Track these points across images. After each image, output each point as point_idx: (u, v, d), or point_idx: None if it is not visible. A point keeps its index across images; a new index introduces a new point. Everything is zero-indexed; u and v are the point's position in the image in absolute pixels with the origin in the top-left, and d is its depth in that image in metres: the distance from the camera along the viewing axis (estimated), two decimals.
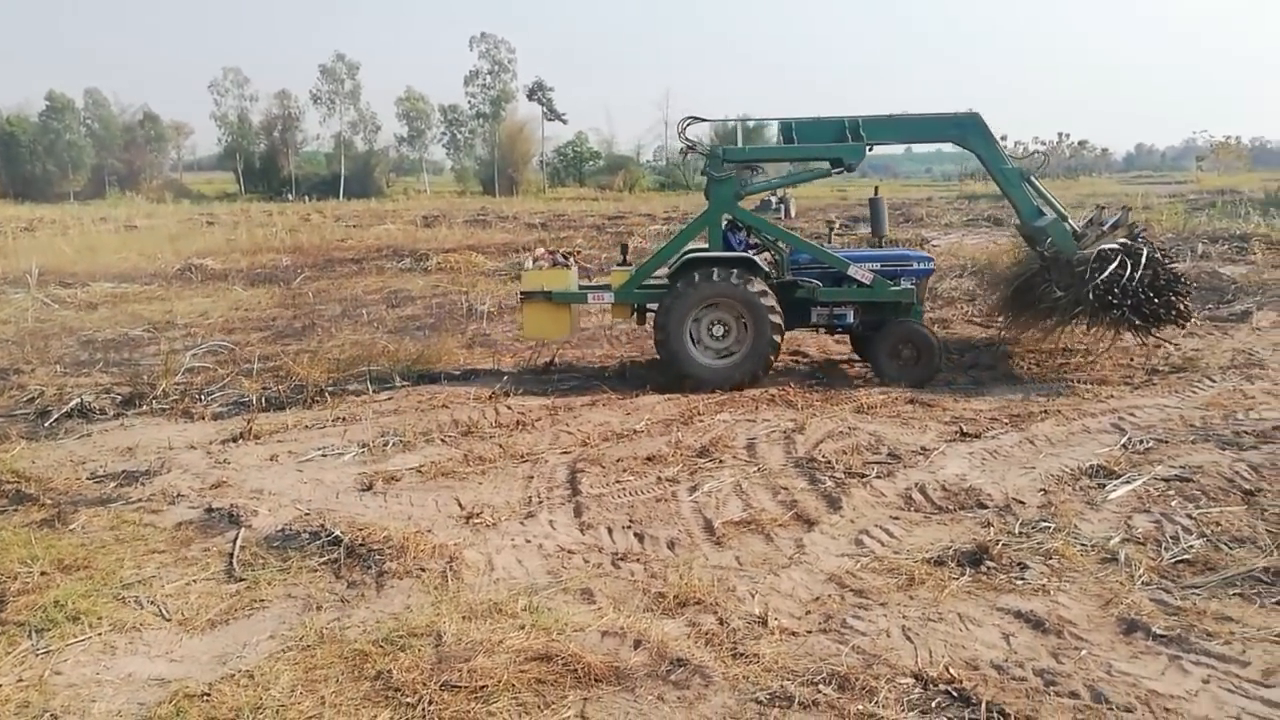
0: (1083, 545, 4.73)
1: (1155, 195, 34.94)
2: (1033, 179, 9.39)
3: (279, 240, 24.67)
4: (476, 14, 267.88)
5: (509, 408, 7.80)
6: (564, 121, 70.47)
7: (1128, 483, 5.62)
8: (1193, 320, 9.49)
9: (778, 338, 8.60)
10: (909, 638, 3.77)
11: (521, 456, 6.54)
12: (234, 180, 66.20)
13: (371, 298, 15.03)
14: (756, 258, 8.94)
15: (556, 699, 3.38)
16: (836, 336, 9.98)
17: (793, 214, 11.07)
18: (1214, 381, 8.23)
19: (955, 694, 3.29)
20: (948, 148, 10.37)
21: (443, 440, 6.98)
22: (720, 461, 6.28)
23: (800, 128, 9.54)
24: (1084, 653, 3.61)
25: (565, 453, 6.61)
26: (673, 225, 27.79)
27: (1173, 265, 9.13)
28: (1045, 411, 7.32)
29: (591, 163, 73.57)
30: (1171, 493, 5.47)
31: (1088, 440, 6.59)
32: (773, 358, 8.70)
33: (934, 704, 3.26)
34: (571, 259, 9.85)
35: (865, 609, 4.06)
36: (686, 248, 9.29)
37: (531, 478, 6.09)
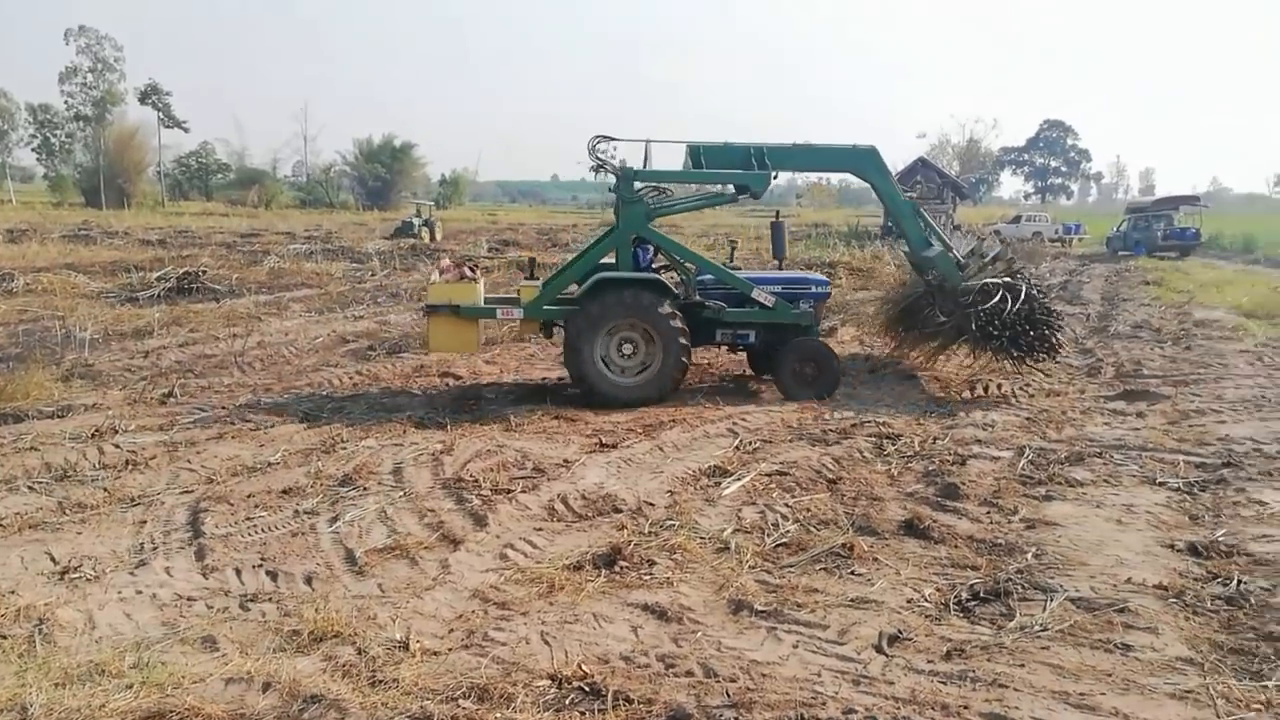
0: (702, 538, 5.22)
1: (763, 228, 39.63)
2: (921, 211, 10.08)
3: None
4: (73, 4, 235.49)
5: (117, 446, 6.93)
6: (184, 129, 64.41)
7: (738, 479, 6.31)
8: (1063, 351, 10.10)
9: (685, 357, 8.84)
10: (547, 642, 3.93)
11: (132, 500, 5.84)
12: None
13: None
14: (664, 278, 9.07)
15: None
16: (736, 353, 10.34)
17: None
18: None
19: (587, 689, 3.49)
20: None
21: (30, 487, 6.03)
22: (364, 489, 6.09)
23: (708, 153, 9.72)
24: (699, 634, 4.00)
25: (186, 492, 6.01)
26: (314, 245, 26.46)
27: (1047, 300, 9.79)
28: (673, 420, 7.99)
29: (220, 175, 67.83)
30: (773, 486, 6.22)
31: (708, 444, 7.29)
32: (679, 377, 8.91)
33: (568, 701, 3.43)
34: (478, 273, 9.77)
35: (507, 620, 4.16)
36: (596, 266, 9.31)
37: (144, 522, 5.45)
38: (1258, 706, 3.45)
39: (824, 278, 10.50)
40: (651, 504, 5.86)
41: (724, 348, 9.97)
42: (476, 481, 6.20)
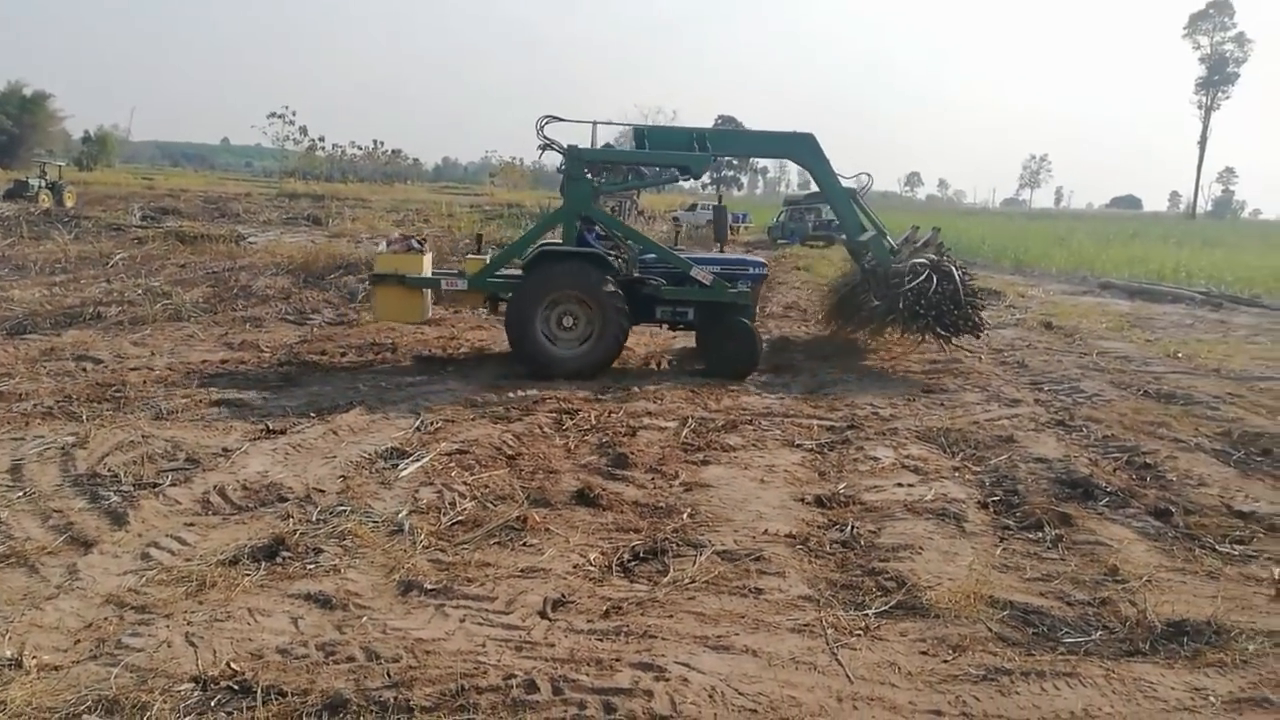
0: (374, 522, 5.10)
1: (459, 205, 39.23)
2: (859, 198, 9.91)
3: None
4: None
5: None
6: None
7: (417, 460, 6.23)
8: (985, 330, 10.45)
9: (623, 331, 9.17)
10: (192, 643, 3.64)
11: None
12: None
13: None
14: (608, 255, 9.29)
15: None
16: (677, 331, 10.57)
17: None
18: (493, 366, 9.59)
19: (236, 687, 3.29)
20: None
21: None
22: None
23: (652, 134, 9.87)
24: (364, 619, 3.92)
25: None
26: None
27: (972, 281, 10.05)
28: (350, 403, 7.69)
29: None
30: (453, 465, 6.21)
31: (386, 426, 7.12)
32: (616, 350, 9.24)
33: (213, 703, 3.21)
34: (426, 245, 10.09)
35: (146, 624, 3.80)
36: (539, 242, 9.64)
37: None
38: (859, 632, 4.03)
39: (761, 260, 10.91)
40: (321, 490, 5.61)
41: (664, 325, 10.24)
42: (116, 476, 5.58)
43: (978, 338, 10.42)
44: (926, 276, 9.62)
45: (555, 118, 9.61)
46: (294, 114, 59.29)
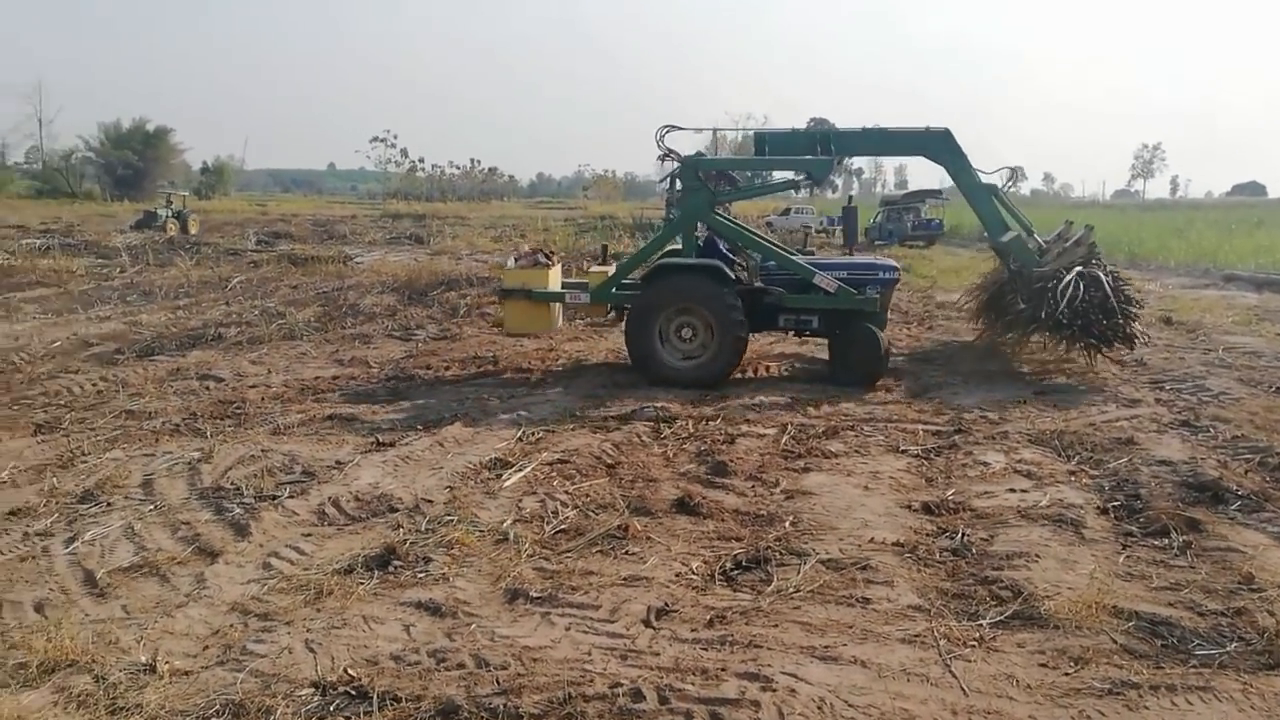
0: (480, 531, 5.20)
1: (553, 219, 39.92)
2: (1002, 195, 9.58)
3: None
4: None
5: None
6: None
7: (520, 470, 6.33)
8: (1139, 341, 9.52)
9: (741, 342, 9.05)
10: (311, 649, 3.78)
11: None
12: None
13: None
14: (719, 264, 9.14)
15: None
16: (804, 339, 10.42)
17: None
18: (591, 376, 9.68)
19: (353, 692, 3.40)
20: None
21: None
22: (108, 505, 5.58)
23: (773, 139, 9.57)
24: (473, 626, 4.00)
25: None
26: (52, 239, 23.81)
27: (1126, 286, 9.39)
28: (455, 415, 7.89)
29: None
30: (554, 474, 6.29)
31: (490, 437, 7.26)
32: (735, 360, 9.15)
33: (332, 707, 3.33)
34: (554, 259, 10.20)
35: (269, 631, 3.97)
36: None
37: None
38: (973, 643, 3.89)
39: (894, 263, 10.33)
40: (430, 501, 5.76)
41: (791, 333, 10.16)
42: (239, 489, 5.85)
43: (1131, 349, 9.57)
44: (1072, 283, 8.97)
45: (675, 126, 9.63)
46: (395, 137, 61.37)
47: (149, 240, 25.05)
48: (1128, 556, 4.83)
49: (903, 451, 6.90)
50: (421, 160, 63.42)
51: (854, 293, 9.27)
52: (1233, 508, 5.50)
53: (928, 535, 5.18)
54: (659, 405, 8.19)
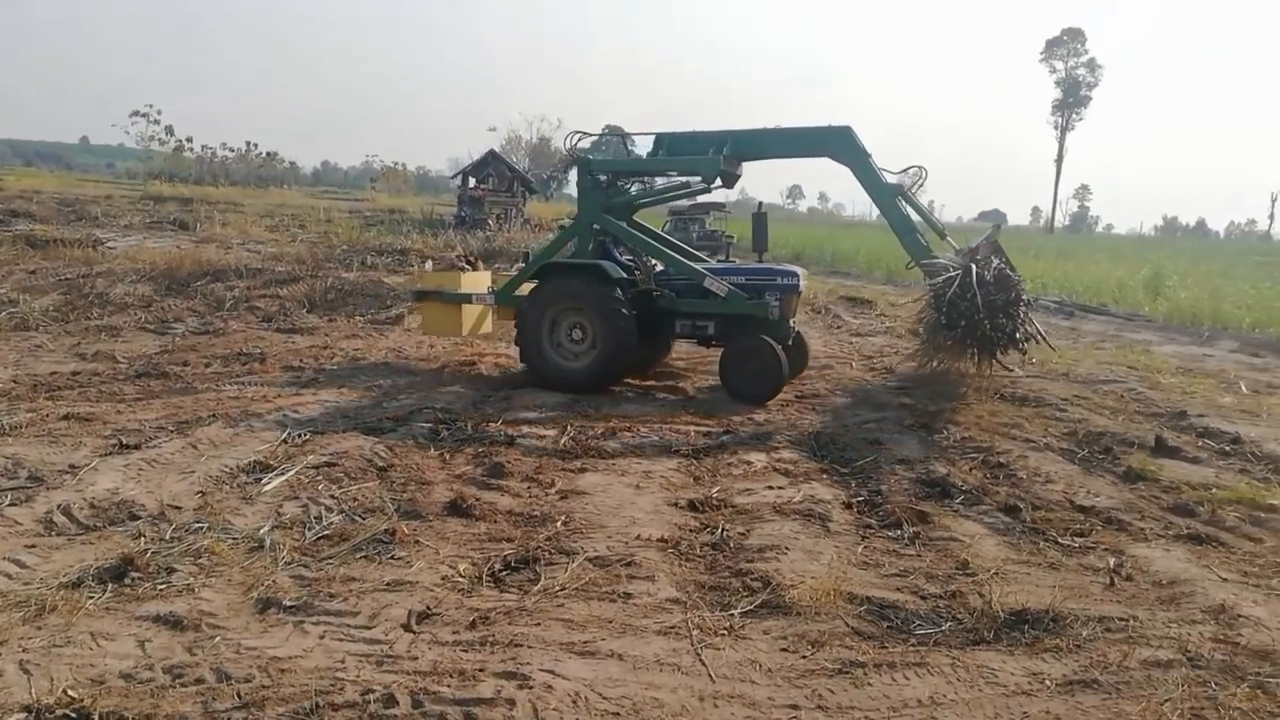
0: (234, 539, 4.90)
1: (338, 210, 38.10)
2: (909, 195, 9.14)
3: None
4: None
5: None
6: None
7: (282, 474, 6.02)
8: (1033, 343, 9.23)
9: (627, 344, 8.85)
10: (26, 671, 3.42)
11: None
12: None
13: None
14: (606, 265, 9.06)
15: None
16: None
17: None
18: (367, 376, 9.37)
19: (73, 715, 3.11)
20: None
21: None
22: None
23: (672, 141, 9.44)
24: (217, 640, 3.76)
25: None
26: None
27: (1018, 289, 8.89)
28: (212, 415, 7.37)
29: None
30: (320, 478, 6.03)
31: (251, 439, 6.85)
32: (622, 362, 9.00)
33: None
34: (477, 264, 10.80)
35: None
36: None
37: None
38: (724, 632, 4.12)
39: (795, 269, 9.73)
40: (177, 507, 5.36)
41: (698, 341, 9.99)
42: None
43: (1023, 353, 9.44)
44: (960, 284, 8.66)
45: (584, 133, 9.93)
46: (159, 113, 56.23)
47: None
48: (865, 547, 5.29)
49: (675, 451, 7.16)
50: (189, 140, 58.37)
51: (745, 297, 9.04)
52: (957, 501, 6.14)
53: (691, 531, 5.41)
54: (439, 407, 8.06)
